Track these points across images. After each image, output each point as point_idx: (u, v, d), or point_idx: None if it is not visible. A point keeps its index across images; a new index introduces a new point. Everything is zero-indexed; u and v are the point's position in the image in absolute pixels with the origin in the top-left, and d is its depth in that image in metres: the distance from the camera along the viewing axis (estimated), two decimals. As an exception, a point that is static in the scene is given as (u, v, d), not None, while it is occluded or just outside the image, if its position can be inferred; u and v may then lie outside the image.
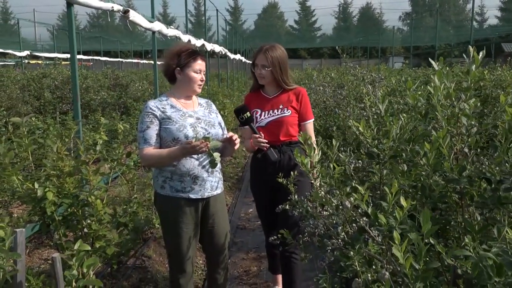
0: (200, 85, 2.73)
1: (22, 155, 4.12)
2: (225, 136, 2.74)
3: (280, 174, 2.39)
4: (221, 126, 2.83)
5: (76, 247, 1.33)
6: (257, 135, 2.89)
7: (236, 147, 2.69)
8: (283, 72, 3.05)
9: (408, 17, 57.14)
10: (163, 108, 2.64)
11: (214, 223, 2.76)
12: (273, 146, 2.95)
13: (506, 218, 1.40)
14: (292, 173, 2.17)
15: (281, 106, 3.05)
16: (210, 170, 2.64)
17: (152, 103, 2.66)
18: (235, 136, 2.66)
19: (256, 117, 3.06)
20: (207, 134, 2.60)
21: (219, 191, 2.78)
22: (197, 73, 2.68)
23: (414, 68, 15.27)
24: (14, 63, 27.21)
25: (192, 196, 2.62)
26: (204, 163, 2.63)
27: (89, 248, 1.43)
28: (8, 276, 1.86)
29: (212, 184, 2.70)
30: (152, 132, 2.58)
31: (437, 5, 52.73)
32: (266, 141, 2.90)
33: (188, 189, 2.61)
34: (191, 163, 2.59)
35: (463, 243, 1.28)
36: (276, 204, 2.79)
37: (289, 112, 3.04)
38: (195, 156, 2.58)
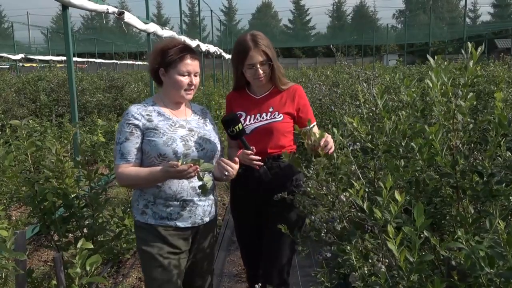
0: (189, 90, 2.22)
1: (20, 158, 4.14)
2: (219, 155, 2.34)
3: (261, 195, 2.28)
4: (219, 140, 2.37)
5: (79, 245, 1.36)
6: (249, 152, 2.32)
7: (230, 175, 2.20)
8: (277, 64, 2.51)
9: (401, 14, 57.35)
10: (148, 115, 2.17)
11: (196, 258, 2.31)
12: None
13: (497, 210, 1.43)
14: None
15: (271, 109, 2.50)
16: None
17: (134, 109, 2.17)
18: (229, 167, 2.18)
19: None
20: (201, 149, 2.18)
21: (211, 217, 2.31)
22: (183, 75, 2.18)
23: (408, 65, 15.36)
24: (8, 66, 27.18)
25: (180, 224, 2.16)
26: (195, 184, 2.15)
27: (91, 246, 1.46)
28: (10, 276, 1.89)
29: (205, 209, 2.24)
30: (131, 145, 2.12)
31: (430, 2, 52.99)
32: (259, 158, 2.32)
33: (175, 215, 2.15)
34: (179, 184, 2.15)
35: (456, 236, 1.31)
36: (262, 228, 2.56)
37: (280, 117, 2.48)
38: None
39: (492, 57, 10.93)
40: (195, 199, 2.18)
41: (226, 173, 2.17)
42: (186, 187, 2.15)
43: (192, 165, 1.93)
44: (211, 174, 2.24)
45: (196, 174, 1.97)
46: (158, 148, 2.10)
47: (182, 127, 2.20)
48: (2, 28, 51.43)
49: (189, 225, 2.18)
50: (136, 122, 2.13)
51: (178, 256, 2.17)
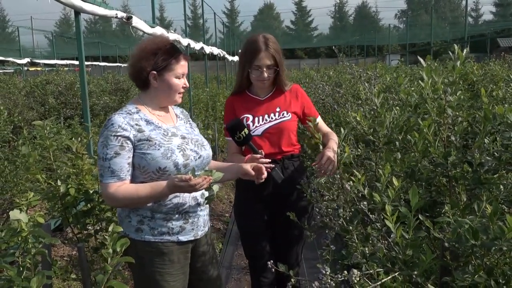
0: (181, 93, 2.06)
1: (37, 157, 4.32)
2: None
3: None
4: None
5: (110, 229, 1.53)
6: (259, 156, 2.24)
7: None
8: (283, 69, 2.50)
9: (403, 14, 57.43)
10: (137, 125, 1.93)
11: (204, 268, 2.19)
12: (273, 161, 2.31)
13: (485, 195, 1.59)
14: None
15: (278, 109, 2.49)
16: (202, 201, 2.04)
17: (120, 119, 1.91)
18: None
19: (248, 125, 2.44)
20: (198, 157, 2.03)
21: (209, 226, 2.20)
22: (179, 78, 2.02)
23: (411, 65, 15.49)
24: (13, 70, 27.46)
25: (183, 238, 2.00)
26: (195, 194, 2.02)
27: (122, 229, 1.62)
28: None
29: (205, 218, 2.13)
30: (123, 161, 1.88)
31: (432, 2, 53.08)
32: (270, 160, 2.24)
33: (177, 229, 1.98)
34: (181, 196, 1.98)
35: (443, 210, 1.48)
36: (277, 232, 2.60)
37: (289, 115, 2.49)
38: None
39: (493, 56, 11.05)
40: (197, 209, 2.05)
41: (263, 176, 2.10)
42: (187, 198, 2.00)
43: (205, 176, 1.80)
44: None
45: (208, 185, 1.84)
46: (157, 162, 1.88)
47: (175, 135, 2.01)
48: (6, 32, 51.82)
49: (192, 238, 2.05)
50: (126, 133, 1.89)
51: (178, 274, 2.03)
